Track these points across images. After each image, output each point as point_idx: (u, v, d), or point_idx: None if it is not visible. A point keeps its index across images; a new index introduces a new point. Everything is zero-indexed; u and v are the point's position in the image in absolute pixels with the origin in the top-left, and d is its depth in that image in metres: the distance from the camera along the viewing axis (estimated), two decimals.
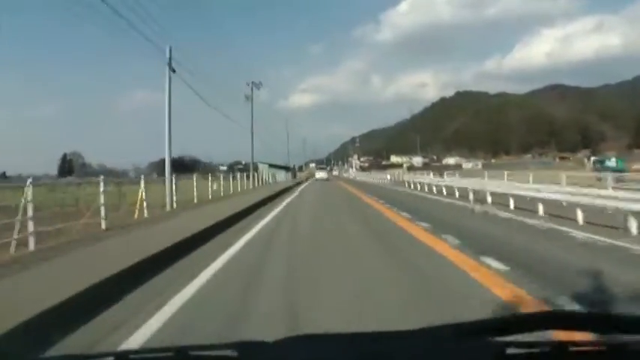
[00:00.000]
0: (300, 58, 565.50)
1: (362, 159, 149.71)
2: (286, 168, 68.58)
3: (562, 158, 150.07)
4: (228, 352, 0.87)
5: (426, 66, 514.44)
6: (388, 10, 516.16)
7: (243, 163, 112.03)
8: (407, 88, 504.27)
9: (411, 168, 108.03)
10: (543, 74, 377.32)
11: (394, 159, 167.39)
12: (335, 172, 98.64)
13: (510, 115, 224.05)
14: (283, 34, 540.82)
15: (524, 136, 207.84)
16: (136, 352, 1.18)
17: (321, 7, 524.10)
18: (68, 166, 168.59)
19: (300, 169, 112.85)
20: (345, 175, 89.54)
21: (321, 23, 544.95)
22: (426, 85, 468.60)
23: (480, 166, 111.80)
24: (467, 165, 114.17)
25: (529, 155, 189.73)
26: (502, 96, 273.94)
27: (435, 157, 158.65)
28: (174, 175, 16.22)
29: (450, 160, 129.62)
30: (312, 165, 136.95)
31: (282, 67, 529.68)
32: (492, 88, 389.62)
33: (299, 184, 43.14)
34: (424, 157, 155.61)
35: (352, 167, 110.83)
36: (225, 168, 77.93)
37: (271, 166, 61.97)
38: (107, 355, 0.94)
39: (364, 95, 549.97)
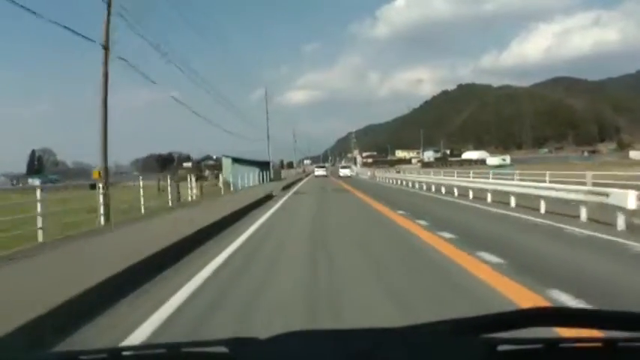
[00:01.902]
0: (296, 54, 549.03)
1: (364, 154, 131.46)
2: (263, 164, 42.77)
3: (591, 152, 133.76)
4: (221, 349, 0.85)
5: (423, 62, 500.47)
6: (385, 6, 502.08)
7: (215, 157, 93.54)
8: (404, 83, 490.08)
9: (426, 165, 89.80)
10: (542, 68, 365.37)
11: (400, 154, 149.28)
12: (345, 171, 57.35)
13: (521, 107, 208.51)
14: (279, 30, 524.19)
15: (539, 129, 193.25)
16: (129, 348, 1.15)
17: (318, 3, 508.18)
18: (38, 164, 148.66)
19: (291, 165, 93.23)
20: (352, 174, 55.91)
21: (316, 20, 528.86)
22: (423, 81, 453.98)
23: (508, 160, 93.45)
24: (491, 160, 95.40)
25: (545, 150, 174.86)
26: (506, 89, 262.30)
27: (448, 152, 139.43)
28: None
29: (473, 155, 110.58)
30: (307, 162, 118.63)
31: (278, 64, 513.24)
32: (493, 82, 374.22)
33: (265, 200, 18.60)
34: (436, 151, 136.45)
35: (356, 164, 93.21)
36: (189, 165, 57.78)
37: (238, 161, 39.55)
38: (101, 352, 0.92)
39: (360, 91, 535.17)
